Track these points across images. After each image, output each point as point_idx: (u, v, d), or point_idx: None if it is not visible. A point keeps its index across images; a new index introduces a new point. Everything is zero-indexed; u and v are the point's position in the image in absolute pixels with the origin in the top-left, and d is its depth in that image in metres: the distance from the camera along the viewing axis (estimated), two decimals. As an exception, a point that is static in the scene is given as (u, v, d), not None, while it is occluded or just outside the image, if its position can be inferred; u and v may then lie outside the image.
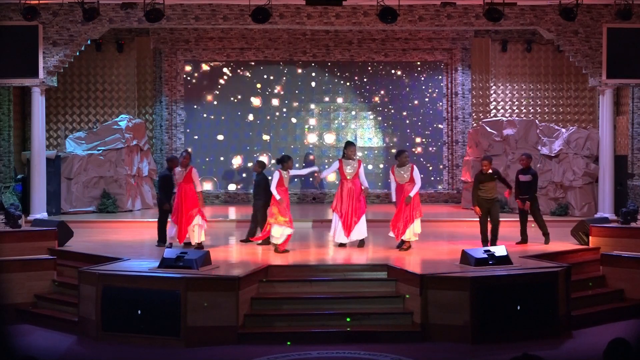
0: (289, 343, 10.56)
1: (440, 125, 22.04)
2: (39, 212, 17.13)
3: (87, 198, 19.27)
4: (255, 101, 21.99)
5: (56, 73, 17.56)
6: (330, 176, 21.69)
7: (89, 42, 17.99)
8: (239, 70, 21.95)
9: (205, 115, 21.90)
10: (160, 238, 14.03)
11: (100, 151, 19.49)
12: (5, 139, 19.20)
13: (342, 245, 14.01)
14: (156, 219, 14.37)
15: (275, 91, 22.03)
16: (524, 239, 14.24)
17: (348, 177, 13.88)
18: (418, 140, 22.03)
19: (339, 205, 13.83)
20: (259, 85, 21.96)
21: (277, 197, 13.18)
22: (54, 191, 18.19)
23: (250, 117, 21.96)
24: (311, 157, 21.87)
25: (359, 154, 21.79)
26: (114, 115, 21.13)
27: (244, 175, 21.95)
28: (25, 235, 13.73)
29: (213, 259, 12.02)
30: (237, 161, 21.93)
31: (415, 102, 22.07)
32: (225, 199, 21.66)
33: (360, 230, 13.88)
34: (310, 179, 20.82)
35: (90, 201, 19.30)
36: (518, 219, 14.39)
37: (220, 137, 21.89)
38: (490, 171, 13.67)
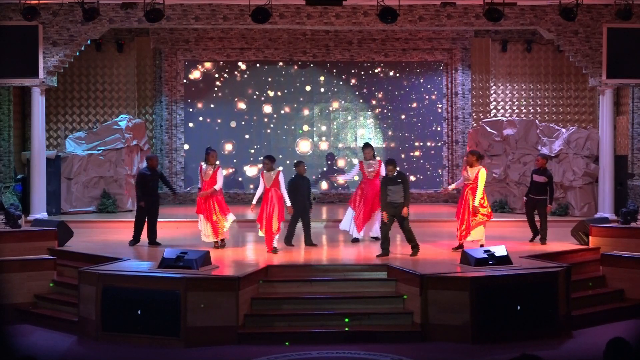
0: (287, 343, 10.56)
1: (439, 126, 22.03)
2: (39, 212, 17.13)
3: (87, 198, 19.27)
4: (254, 101, 21.96)
5: (56, 73, 17.56)
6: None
7: (89, 42, 17.98)
8: (236, 72, 21.92)
9: (201, 118, 21.85)
10: (135, 237, 14.09)
11: (100, 151, 19.48)
12: (5, 139, 19.19)
13: (355, 240, 14.44)
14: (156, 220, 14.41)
15: (275, 91, 21.99)
16: (535, 234, 14.35)
17: (370, 177, 14.42)
18: (417, 140, 22.01)
19: (356, 202, 14.45)
20: (257, 86, 21.93)
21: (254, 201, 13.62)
22: (54, 191, 18.19)
23: (249, 117, 21.94)
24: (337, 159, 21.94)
25: (360, 154, 21.87)
26: (114, 115, 21.12)
27: (240, 179, 21.93)
28: (25, 235, 13.73)
29: (213, 259, 12.03)
30: (234, 164, 21.91)
31: (415, 102, 22.06)
32: (225, 199, 21.59)
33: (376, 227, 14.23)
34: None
35: (90, 201, 19.30)
36: (517, 219, 14.43)
37: (233, 124, 21.89)
38: (395, 174, 12.98)
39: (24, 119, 20.55)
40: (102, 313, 10.94)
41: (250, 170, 21.84)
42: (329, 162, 21.88)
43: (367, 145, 14.98)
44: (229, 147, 21.88)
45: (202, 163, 13.86)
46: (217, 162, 14.03)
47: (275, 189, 13.31)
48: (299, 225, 14.09)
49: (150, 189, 14.18)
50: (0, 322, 10.68)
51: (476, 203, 13.15)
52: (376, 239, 14.10)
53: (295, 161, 14.65)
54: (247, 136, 21.92)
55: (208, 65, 21.86)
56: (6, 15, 16.72)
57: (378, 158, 15.00)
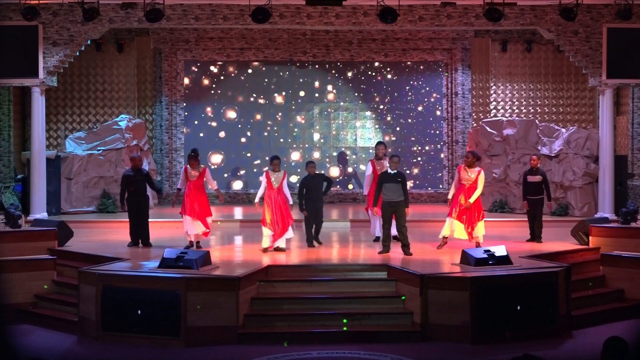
0: (285, 344, 10.56)
1: (439, 126, 22.03)
2: (39, 212, 17.13)
3: (87, 198, 19.27)
4: (254, 101, 21.96)
5: (56, 73, 17.56)
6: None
7: (89, 42, 17.99)
8: (235, 72, 21.91)
9: (196, 122, 21.84)
10: (132, 239, 14.09)
11: (100, 151, 19.49)
12: (5, 139, 19.19)
13: (378, 239, 14.22)
14: (154, 220, 14.37)
15: (273, 92, 21.98)
16: (533, 237, 14.36)
17: None
18: (417, 140, 22.00)
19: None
20: (255, 87, 21.93)
21: (257, 199, 13.50)
22: (54, 191, 18.19)
23: (246, 119, 21.93)
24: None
25: (363, 155, 21.87)
26: (114, 115, 21.12)
27: (239, 182, 21.93)
28: (25, 235, 13.74)
29: (213, 259, 12.03)
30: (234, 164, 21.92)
31: (415, 102, 22.06)
32: (225, 198, 21.62)
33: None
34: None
35: (90, 201, 19.30)
36: (517, 219, 14.44)
37: (222, 134, 21.89)
38: (395, 171, 12.99)
39: (24, 119, 20.55)
40: (102, 313, 10.94)
41: (246, 171, 21.84)
42: (340, 166, 21.80)
43: (378, 143, 14.81)
44: (226, 149, 21.88)
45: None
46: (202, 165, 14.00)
47: (280, 189, 13.38)
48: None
49: (135, 190, 14.05)
50: (1, 322, 10.67)
51: (471, 200, 13.16)
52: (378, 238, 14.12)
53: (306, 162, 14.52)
54: (243, 140, 21.86)
55: (205, 66, 21.85)
56: (6, 15, 16.72)
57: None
